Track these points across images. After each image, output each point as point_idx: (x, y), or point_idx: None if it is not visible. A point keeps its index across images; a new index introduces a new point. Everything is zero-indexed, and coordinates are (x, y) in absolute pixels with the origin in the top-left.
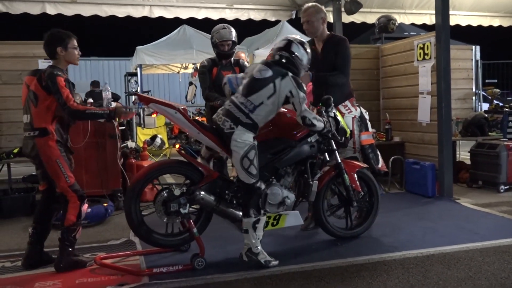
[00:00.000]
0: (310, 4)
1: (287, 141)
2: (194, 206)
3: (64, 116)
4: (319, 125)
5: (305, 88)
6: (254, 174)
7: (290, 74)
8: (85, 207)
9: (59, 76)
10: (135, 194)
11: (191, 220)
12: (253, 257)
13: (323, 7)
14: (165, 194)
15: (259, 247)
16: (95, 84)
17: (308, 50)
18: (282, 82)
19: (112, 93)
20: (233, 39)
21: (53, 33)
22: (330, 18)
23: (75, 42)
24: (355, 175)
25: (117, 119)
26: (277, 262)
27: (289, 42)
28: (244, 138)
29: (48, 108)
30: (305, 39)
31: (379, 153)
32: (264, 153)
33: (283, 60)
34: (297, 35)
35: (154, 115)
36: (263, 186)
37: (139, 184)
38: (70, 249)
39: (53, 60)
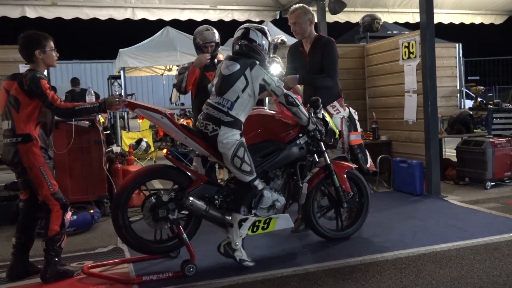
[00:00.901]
0: (297, 5)
1: (276, 144)
2: (183, 212)
3: (47, 122)
4: (303, 110)
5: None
6: (248, 171)
7: (257, 62)
8: (68, 215)
9: (42, 78)
10: (122, 201)
11: (180, 226)
12: (229, 252)
13: (310, 8)
14: (153, 200)
15: (239, 244)
16: (75, 82)
17: (269, 36)
18: (252, 72)
19: (95, 93)
20: (216, 40)
21: (30, 35)
22: (315, 17)
23: (52, 44)
24: (345, 176)
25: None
26: (252, 263)
27: (246, 31)
28: (230, 138)
29: (31, 113)
30: (290, 39)
31: (367, 153)
32: (253, 156)
33: (244, 49)
34: (281, 36)
35: (140, 120)
36: (260, 186)
37: (126, 191)
38: (56, 259)
39: (31, 63)
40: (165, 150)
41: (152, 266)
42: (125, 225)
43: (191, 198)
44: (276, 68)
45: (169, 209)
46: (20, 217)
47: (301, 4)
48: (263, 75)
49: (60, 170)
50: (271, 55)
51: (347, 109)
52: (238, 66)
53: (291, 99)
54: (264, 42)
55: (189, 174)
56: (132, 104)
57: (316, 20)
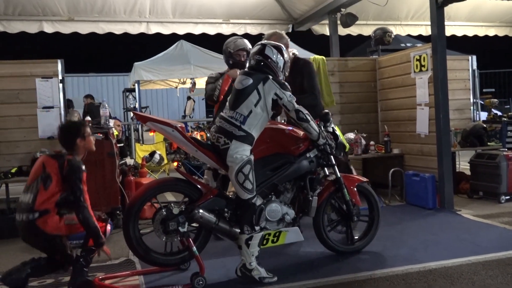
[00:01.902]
0: (270, 32)
1: (286, 157)
2: (193, 224)
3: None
4: (314, 125)
5: (289, 88)
6: (249, 189)
7: (270, 77)
8: (108, 227)
9: (84, 172)
10: (133, 214)
11: (190, 239)
12: (246, 273)
13: (283, 32)
14: (164, 213)
15: (254, 263)
16: (90, 97)
17: (285, 54)
18: (265, 87)
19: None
20: (248, 48)
21: (69, 126)
22: (326, 31)
23: (89, 129)
24: (355, 189)
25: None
26: (275, 278)
27: (262, 47)
28: (240, 153)
29: (56, 193)
30: (302, 52)
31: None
32: (263, 169)
33: (260, 64)
34: (293, 49)
35: (151, 133)
36: (258, 202)
37: (137, 203)
38: (85, 269)
39: (70, 150)
40: (175, 163)
41: (163, 279)
42: (136, 237)
43: (201, 211)
44: None
45: (179, 221)
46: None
47: (274, 30)
48: (276, 89)
49: None
50: (286, 73)
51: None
52: (251, 81)
53: (302, 115)
54: (279, 59)
55: (199, 187)
56: (144, 118)
57: (328, 34)
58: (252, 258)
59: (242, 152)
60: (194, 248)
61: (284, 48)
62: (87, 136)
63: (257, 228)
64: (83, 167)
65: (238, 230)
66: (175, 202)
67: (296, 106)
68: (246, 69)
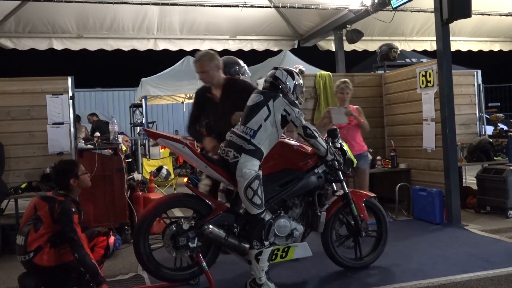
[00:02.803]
0: (202, 52)
1: (294, 173)
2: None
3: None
4: (321, 142)
5: (298, 105)
6: (258, 204)
7: (281, 95)
8: (111, 239)
9: (75, 213)
10: (143, 230)
11: (200, 254)
12: None
13: (215, 53)
14: (174, 228)
15: (263, 279)
16: (95, 115)
17: (296, 76)
18: (275, 103)
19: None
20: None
21: (61, 167)
22: (332, 47)
23: (83, 167)
24: (363, 205)
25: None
26: None
27: (274, 70)
28: (249, 168)
29: (46, 233)
30: (308, 68)
31: None
32: (272, 185)
33: (271, 86)
34: (299, 65)
35: (162, 149)
36: (267, 217)
37: (147, 219)
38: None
39: (65, 190)
40: (185, 179)
41: None
42: (146, 253)
43: (210, 227)
44: None
45: (189, 237)
46: None
47: (206, 51)
48: (285, 105)
49: (83, 197)
50: (298, 95)
51: None
52: (262, 98)
53: (309, 131)
54: (289, 82)
55: (209, 202)
56: (155, 134)
57: (334, 49)
58: (262, 273)
59: (251, 166)
60: (204, 264)
61: (296, 72)
62: (81, 175)
63: (266, 243)
64: (74, 209)
65: (247, 246)
66: (184, 218)
67: (304, 122)
68: (259, 90)
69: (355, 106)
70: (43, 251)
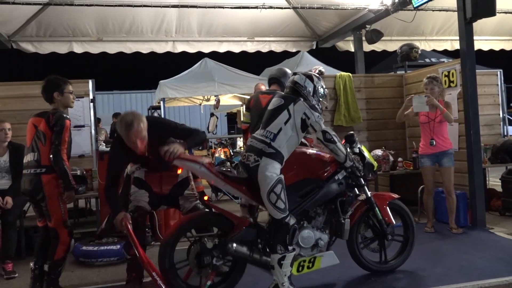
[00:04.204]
0: (127, 117)
1: (314, 182)
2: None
3: (69, 156)
4: (340, 145)
5: (319, 110)
6: (282, 208)
7: (302, 99)
8: (72, 242)
9: (68, 119)
10: (168, 251)
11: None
12: None
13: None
14: (198, 248)
15: (286, 283)
16: (117, 115)
17: (315, 79)
18: (295, 107)
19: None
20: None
21: (50, 79)
22: (351, 47)
23: (70, 88)
24: (387, 208)
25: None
26: None
27: (294, 75)
28: (270, 171)
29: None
30: (328, 69)
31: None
32: (293, 196)
33: (291, 90)
34: (319, 66)
35: (179, 170)
36: (292, 222)
37: (171, 241)
38: (55, 282)
39: (51, 104)
40: (206, 197)
41: None
42: (173, 275)
43: (234, 245)
44: None
45: (213, 255)
46: (37, 243)
47: (126, 113)
48: (305, 109)
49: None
50: (319, 98)
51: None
52: (283, 101)
53: (328, 136)
54: (308, 85)
55: (230, 219)
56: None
57: (353, 50)
58: (285, 278)
59: (272, 170)
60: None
61: (316, 75)
62: (66, 93)
63: (290, 248)
64: (66, 116)
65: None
66: (208, 235)
67: (323, 127)
68: (281, 94)
69: (444, 100)
70: (53, 176)
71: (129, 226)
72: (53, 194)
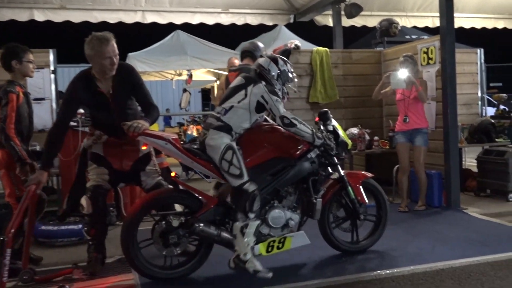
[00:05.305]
0: (103, 33)
1: (286, 160)
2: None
3: (23, 129)
4: (302, 127)
5: (280, 95)
6: (237, 174)
7: (263, 82)
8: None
9: (12, 93)
10: (132, 228)
11: None
12: (240, 264)
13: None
14: (163, 226)
15: (249, 255)
16: None
17: (280, 62)
18: (253, 88)
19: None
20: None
21: (9, 47)
22: (329, 22)
23: (30, 56)
24: (360, 187)
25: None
26: (270, 274)
27: (260, 57)
28: (217, 141)
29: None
30: (304, 44)
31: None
32: (263, 175)
33: (254, 73)
34: (295, 40)
35: (144, 147)
36: (251, 188)
37: (136, 217)
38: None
39: (10, 73)
40: (173, 173)
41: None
42: (134, 251)
43: (201, 224)
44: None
45: (179, 235)
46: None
47: (103, 32)
48: (263, 93)
49: (66, 176)
50: (284, 82)
51: None
52: (243, 82)
53: (287, 121)
54: (272, 68)
55: (199, 196)
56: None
57: (331, 25)
58: (247, 248)
59: (218, 139)
60: None
61: (283, 58)
62: (25, 61)
63: (251, 215)
64: (11, 89)
65: None
66: (174, 214)
67: (282, 112)
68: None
69: (420, 79)
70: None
71: (29, 196)
72: (3, 168)
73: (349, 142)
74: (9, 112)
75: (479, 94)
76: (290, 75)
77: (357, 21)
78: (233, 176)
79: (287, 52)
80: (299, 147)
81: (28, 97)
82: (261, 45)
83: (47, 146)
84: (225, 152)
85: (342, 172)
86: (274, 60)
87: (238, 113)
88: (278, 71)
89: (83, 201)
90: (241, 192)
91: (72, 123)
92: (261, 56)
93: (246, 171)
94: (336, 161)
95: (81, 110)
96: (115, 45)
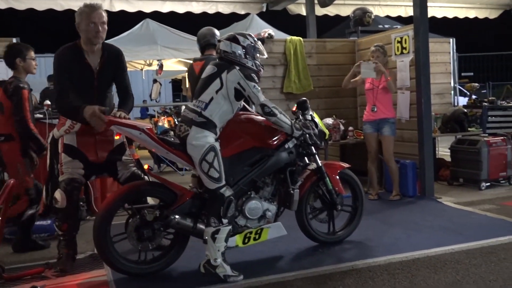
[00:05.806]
0: (92, 3)
1: (263, 150)
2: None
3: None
4: (282, 117)
5: (256, 79)
6: (216, 178)
7: (237, 67)
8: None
9: (24, 89)
10: (105, 222)
11: None
12: (210, 270)
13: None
14: (138, 220)
15: (219, 260)
16: (50, 79)
17: (240, 38)
18: (228, 75)
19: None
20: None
21: (12, 45)
22: (303, 11)
23: (32, 54)
24: (337, 178)
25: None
26: (240, 277)
27: (219, 43)
28: (201, 140)
29: (10, 116)
30: (277, 33)
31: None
32: (240, 165)
33: (222, 58)
34: (268, 29)
35: (117, 137)
36: (227, 193)
37: (109, 211)
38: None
39: (13, 70)
40: (146, 166)
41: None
42: (108, 246)
43: (176, 217)
44: None
45: (154, 228)
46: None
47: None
48: (239, 79)
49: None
50: (253, 56)
51: None
52: (216, 69)
53: (267, 109)
54: (235, 49)
55: (173, 189)
56: (109, 121)
57: (305, 14)
58: (217, 253)
59: (202, 139)
60: None
61: (239, 33)
62: (28, 59)
63: (224, 221)
64: (23, 85)
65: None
66: (148, 207)
67: (262, 99)
68: (215, 61)
69: (389, 70)
70: (14, 142)
71: (104, 116)
72: (12, 162)
73: (327, 131)
74: (25, 107)
75: (452, 84)
76: (255, 45)
77: (331, 10)
78: (211, 179)
79: (260, 42)
80: (276, 137)
81: (30, 93)
82: (216, 31)
83: (67, 111)
84: (207, 153)
85: (320, 162)
86: (234, 40)
87: (219, 104)
88: (243, 48)
89: (58, 194)
90: (216, 196)
91: (38, 115)
92: (219, 41)
93: (224, 161)
94: (314, 151)
95: (48, 102)
96: (103, 14)
